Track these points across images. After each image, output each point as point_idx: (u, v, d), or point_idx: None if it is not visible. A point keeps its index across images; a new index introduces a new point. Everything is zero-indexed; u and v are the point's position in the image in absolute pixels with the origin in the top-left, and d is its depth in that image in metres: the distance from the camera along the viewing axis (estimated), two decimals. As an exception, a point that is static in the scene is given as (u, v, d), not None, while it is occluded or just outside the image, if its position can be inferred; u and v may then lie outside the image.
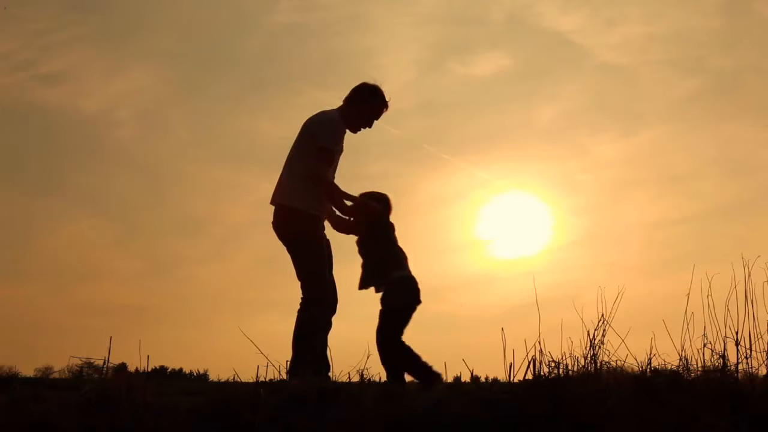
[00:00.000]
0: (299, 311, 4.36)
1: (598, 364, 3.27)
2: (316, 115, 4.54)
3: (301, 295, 4.39)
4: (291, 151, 4.54)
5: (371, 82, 4.63)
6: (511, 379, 3.20)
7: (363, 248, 4.66)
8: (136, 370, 3.52)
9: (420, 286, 4.59)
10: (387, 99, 4.63)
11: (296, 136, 4.56)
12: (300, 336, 4.27)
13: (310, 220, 4.42)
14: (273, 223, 4.49)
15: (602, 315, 3.36)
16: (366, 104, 4.59)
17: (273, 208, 4.52)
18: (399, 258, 4.63)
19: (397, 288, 4.53)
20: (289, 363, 4.02)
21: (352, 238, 4.69)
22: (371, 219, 4.62)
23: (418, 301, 4.58)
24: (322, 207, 4.49)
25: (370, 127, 4.65)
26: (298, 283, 4.40)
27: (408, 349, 4.49)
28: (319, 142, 4.40)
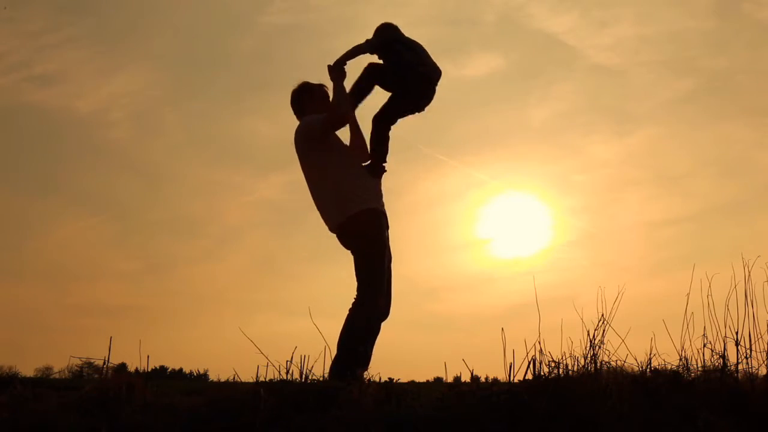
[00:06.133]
0: (350, 311, 4.23)
1: (598, 364, 3.26)
2: (296, 129, 4.53)
3: (355, 296, 4.28)
4: (303, 172, 4.50)
5: (296, 84, 4.66)
6: (511, 379, 3.20)
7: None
8: (136, 370, 3.52)
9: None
10: (318, 83, 4.64)
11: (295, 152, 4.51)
12: (345, 337, 4.15)
13: (370, 215, 4.34)
14: (344, 244, 4.40)
15: (602, 315, 3.36)
16: (313, 102, 4.59)
17: (335, 232, 4.42)
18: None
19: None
20: (331, 362, 3.96)
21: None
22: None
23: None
24: (375, 196, 4.44)
25: None
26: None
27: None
28: (312, 127, 4.39)
